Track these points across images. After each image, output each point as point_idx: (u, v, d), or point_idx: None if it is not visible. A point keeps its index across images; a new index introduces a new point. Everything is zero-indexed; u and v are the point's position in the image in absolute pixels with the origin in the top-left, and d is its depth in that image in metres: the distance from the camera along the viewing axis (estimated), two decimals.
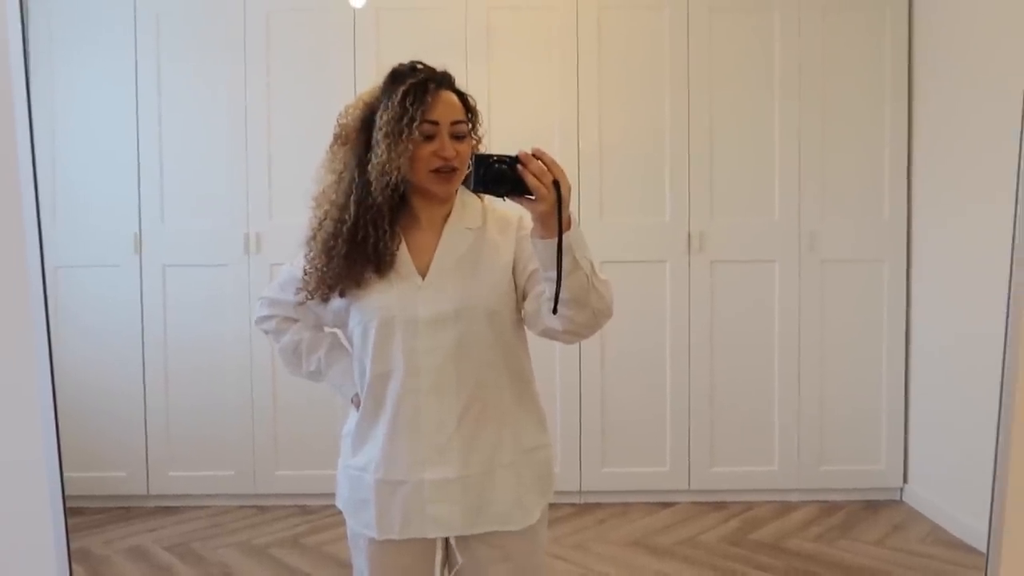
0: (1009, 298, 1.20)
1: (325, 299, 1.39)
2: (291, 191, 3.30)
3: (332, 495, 3.46)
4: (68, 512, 1.15)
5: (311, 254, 1.39)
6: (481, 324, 1.37)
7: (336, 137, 1.40)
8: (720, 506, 3.32)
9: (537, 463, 1.44)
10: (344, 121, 1.40)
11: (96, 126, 3.32)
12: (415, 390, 1.36)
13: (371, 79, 3.43)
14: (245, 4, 3.31)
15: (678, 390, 3.35)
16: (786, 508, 3.29)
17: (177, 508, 3.33)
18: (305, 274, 1.39)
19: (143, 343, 3.32)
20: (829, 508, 3.29)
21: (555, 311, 1.25)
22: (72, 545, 2.84)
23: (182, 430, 3.34)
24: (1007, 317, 1.20)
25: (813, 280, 3.34)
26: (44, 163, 3.28)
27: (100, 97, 3.32)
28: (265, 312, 1.55)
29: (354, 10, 3.20)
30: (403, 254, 1.37)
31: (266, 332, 1.57)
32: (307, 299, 1.41)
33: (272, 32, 3.32)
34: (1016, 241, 1.21)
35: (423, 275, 1.37)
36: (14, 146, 0.78)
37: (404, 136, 1.31)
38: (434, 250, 1.38)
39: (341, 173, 1.37)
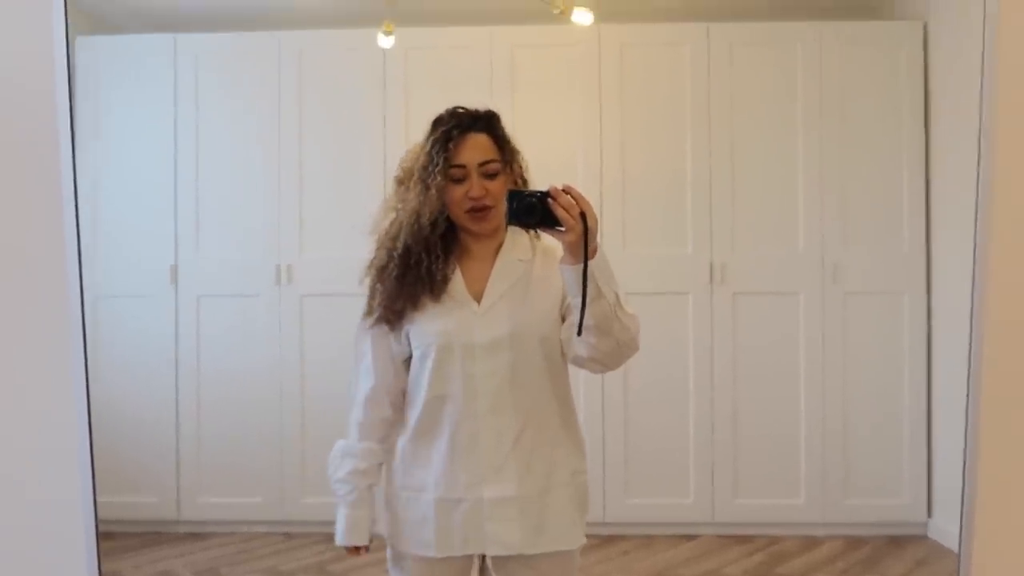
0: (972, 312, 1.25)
1: (393, 325, 1.48)
2: (321, 224, 3.42)
3: None
4: (100, 536, 1.21)
5: (370, 281, 1.51)
6: (534, 349, 1.45)
7: (397, 179, 1.53)
8: (745, 539, 3.29)
9: (581, 487, 1.51)
10: (405, 165, 1.52)
11: (136, 162, 3.46)
12: (473, 412, 1.44)
13: (400, 116, 3.57)
14: (279, 44, 3.44)
15: (701, 422, 3.35)
16: (812, 543, 3.26)
17: (206, 534, 3.39)
18: (369, 299, 1.51)
19: (177, 372, 3.42)
20: (855, 543, 3.25)
21: (579, 332, 1.32)
22: (103, 568, 2.91)
23: (212, 457, 3.41)
24: (971, 329, 1.25)
25: (836, 312, 3.34)
26: (87, 198, 3.40)
27: (141, 134, 3.46)
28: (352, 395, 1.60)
29: (383, 50, 3.31)
30: (458, 282, 1.47)
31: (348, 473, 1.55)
32: (375, 324, 1.49)
33: (304, 71, 3.44)
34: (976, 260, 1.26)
35: (478, 302, 1.45)
36: (59, 183, 0.85)
37: (430, 181, 1.42)
38: (487, 279, 1.46)
39: (399, 211, 1.48)
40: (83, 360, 0.98)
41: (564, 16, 2.75)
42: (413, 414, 1.48)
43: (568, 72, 3.41)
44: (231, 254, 3.42)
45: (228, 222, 3.43)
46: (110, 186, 3.45)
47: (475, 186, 1.44)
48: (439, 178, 1.42)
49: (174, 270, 3.41)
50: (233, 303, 3.42)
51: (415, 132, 3.40)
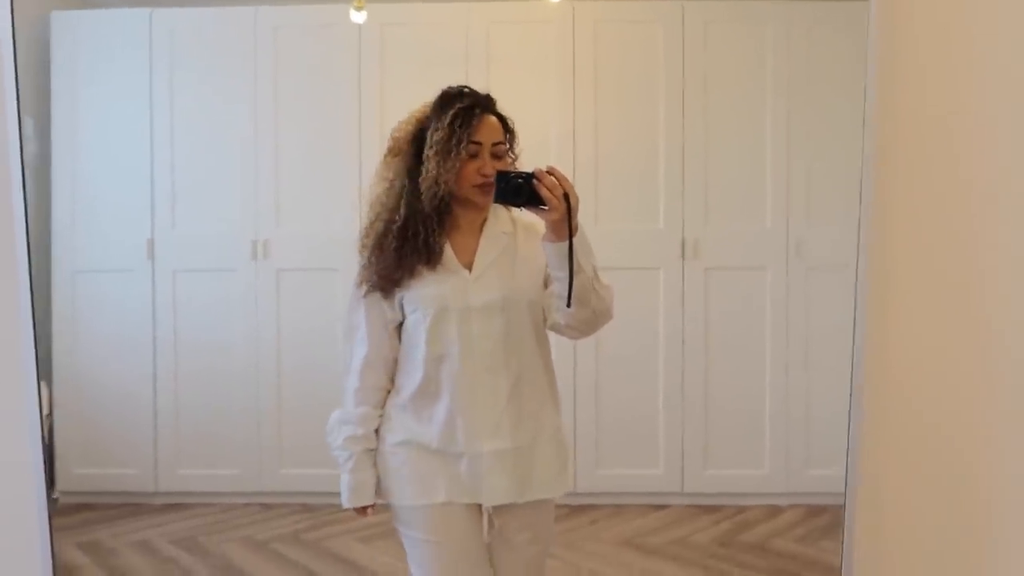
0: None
1: (387, 293, 1.56)
2: (297, 199, 3.44)
3: (333, 493, 3.55)
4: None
5: (366, 252, 1.58)
6: (523, 313, 1.57)
7: (389, 149, 1.61)
8: (712, 509, 3.38)
9: (561, 442, 1.62)
10: (397, 135, 1.61)
11: (113, 138, 3.47)
12: (471, 371, 1.55)
13: (376, 92, 3.58)
14: (255, 19, 3.45)
15: (672, 393, 3.43)
16: (775, 511, 3.36)
17: (184, 504, 3.45)
18: (364, 269, 1.57)
19: (154, 345, 3.45)
20: (815, 510, 3.34)
21: (569, 304, 1.41)
22: (82, 538, 2.97)
23: (190, 430, 3.46)
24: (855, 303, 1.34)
25: (799, 287, 3.41)
26: (65, 172, 3.43)
27: (117, 110, 3.47)
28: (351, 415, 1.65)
29: (359, 26, 3.32)
30: (449, 252, 1.54)
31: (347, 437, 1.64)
32: (369, 291, 1.56)
33: (280, 46, 3.45)
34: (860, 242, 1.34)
35: (469, 270, 1.53)
36: (6, 159, 0.88)
37: (453, 155, 1.52)
38: (475, 249, 1.56)
39: (392, 181, 1.58)
40: (32, 338, 1.01)
41: None
42: (413, 375, 1.57)
43: (543, 49, 3.44)
44: (208, 229, 3.44)
45: (205, 197, 3.45)
46: (87, 162, 3.46)
47: (488, 163, 1.54)
48: (463, 153, 1.51)
49: (151, 244, 3.44)
50: (210, 277, 3.45)
51: (390, 108, 3.45)
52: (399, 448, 1.58)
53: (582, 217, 3.54)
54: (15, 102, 0.93)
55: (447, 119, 1.52)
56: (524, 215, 1.56)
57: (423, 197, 1.52)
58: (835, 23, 3.39)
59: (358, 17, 3.02)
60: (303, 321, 3.37)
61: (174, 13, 3.47)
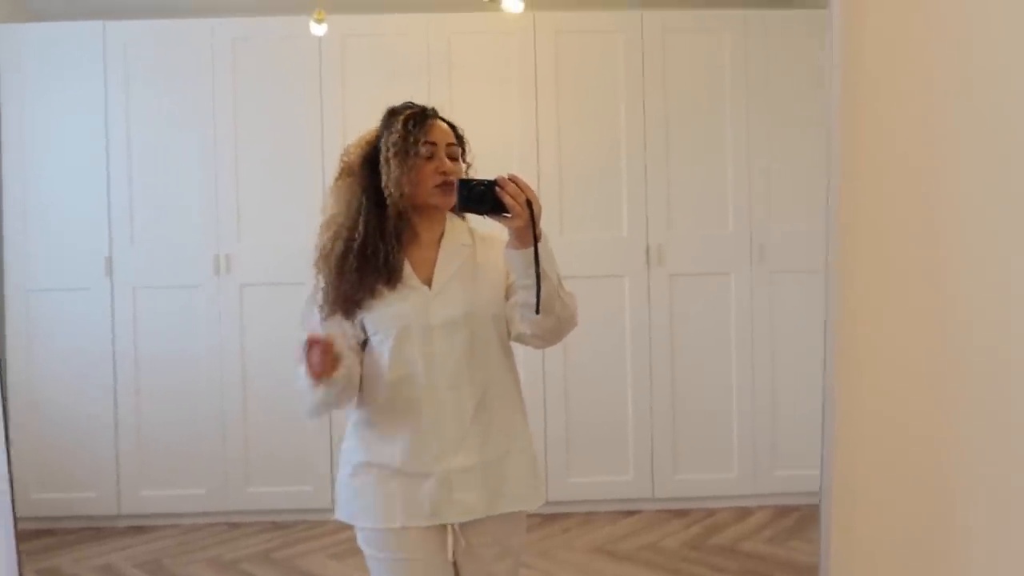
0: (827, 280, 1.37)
1: (348, 314, 1.52)
2: (259, 213, 3.40)
3: (304, 510, 3.52)
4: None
5: (325, 273, 1.54)
6: (487, 327, 1.55)
7: (341, 171, 1.59)
8: (683, 513, 3.41)
9: (532, 453, 1.60)
10: (348, 158, 1.59)
11: (67, 152, 3.38)
12: (434, 389, 1.52)
13: (337, 103, 3.56)
14: (213, 32, 3.40)
15: (640, 400, 3.45)
16: (744, 513, 3.40)
17: (148, 527, 3.37)
18: (323, 292, 1.53)
19: (114, 364, 3.37)
20: (783, 511, 3.39)
21: (538, 311, 1.41)
22: (42, 564, 2.89)
23: (153, 450, 3.38)
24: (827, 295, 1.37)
25: (763, 290, 3.46)
26: (15, 189, 3.34)
27: (70, 124, 3.39)
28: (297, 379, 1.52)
29: (319, 37, 3.30)
30: (408, 269, 1.53)
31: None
32: (330, 314, 1.51)
33: (239, 58, 3.41)
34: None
35: (429, 286, 1.52)
36: None
37: (411, 153, 1.51)
38: (434, 264, 1.53)
39: (349, 201, 1.55)
40: None
41: (494, 4, 2.78)
42: (376, 395, 1.54)
43: (504, 59, 3.45)
44: (168, 244, 3.38)
45: (164, 212, 3.38)
46: (41, 178, 3.37)
47: (445, 161, 1.54)
48: (420, 151, 1.51)
49: (109, 262, 3.36)
50: (171, 294, 3.38)
51: (352, 119, 3.41)
52: (359, 470, 1.55)
53: (547, 226, 3.55)
54: None
55: (399, 124, 1.53)
56: (482, 226, 1.56)
57: (389, 201, 1.51)
58: (790, 31, 3.47)
59: (318, 30, 3.00)
60: (268, 336, 3.32)
61: (128, 25, 3.41)
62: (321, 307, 1.53)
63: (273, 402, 3.35)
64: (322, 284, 1.53)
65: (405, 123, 1.52)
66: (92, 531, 3.34)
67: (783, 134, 3.46)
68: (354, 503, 1.56)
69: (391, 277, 1.51)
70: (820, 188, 3.47)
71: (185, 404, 3.38)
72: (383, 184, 1.52)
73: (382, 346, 1.52)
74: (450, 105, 3.31)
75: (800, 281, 3.46)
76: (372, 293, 1.51)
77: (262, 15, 3.46)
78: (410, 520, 1.51)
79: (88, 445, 3.37)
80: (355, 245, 1.51)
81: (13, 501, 1.01)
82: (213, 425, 3.38)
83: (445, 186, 1.52)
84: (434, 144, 1.53)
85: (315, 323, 1.53)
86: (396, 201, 1.51)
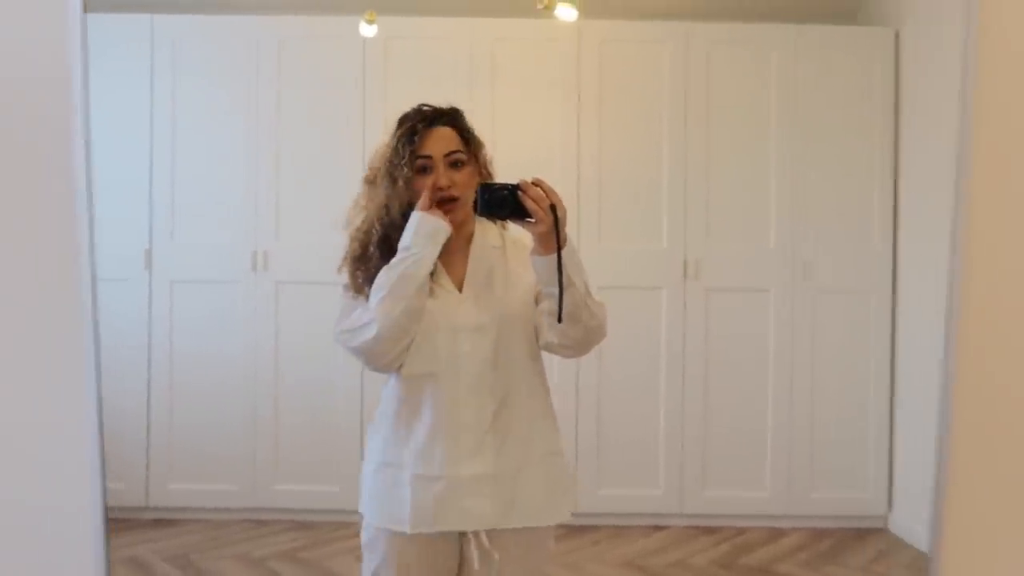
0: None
1: None
2: (298, 211, 3.40)
3: (331, 510, 3.51)
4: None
5: (349, 267, 1.54)
6: (515, 333, 1.51)
7: (365, 179, 1.55)
8: (712, 530, 3.36)
9: (559, 466, 1.55)
10: (372, 165, 1.55)
11: (110, 144, 3.40)
12: (455, 391, 1.49)
13: (379, 104, 3.57)
14: (259, 29, 3.42)
15: (672, 414, 3.41)
16: (776, 534, 3.34)
17: (175, 520, 3.37)
18: (353, 280, 1.56)
19: (149, 357, 3.38)
20: (818, 534, 3.33)
21: (560, 319, 1.38)
22: None
23: (184, 444, 3.39)
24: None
25: (805, 309, 3.41)
26: None
27: (116, 118, 3.40)
28: (348, 328, 1.52)
29: (363, 38, 3.30)
30: (439, 270, 1.49)
31: (362, 346, 1.50)
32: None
33: (283, 56, 3.42)
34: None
35: (459, 288, 1.49)
36: (72, 169, 0.86)
37: (397, 173, 1.48)
38: (464, 266, 1.49)
39: (367, 207, 1.51)
40: (95, 350, 0.99)
41: (548, 11, 2.76)
42: (394, 392, 1.51)
43: (548, 67, 3.43)
44: (206, 239, 3.39)
45: (204, 207, 3.40)
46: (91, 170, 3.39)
47: (441, 176, 1.49)
48: (406, 169, 1.47)
49: (148, 255, 3.38)
50: (208, 289, 3.39)
51: (394, 120, 3.40)
52: (377, 467, 1.53)
53: (585, 235, 3.53)
54: (86, 115, 0.90)
55: (393, 140, 1.52)
56: (512, 228, 1.52)
57: (384, 221, 1.50)
58: (841, 46, 3.43)
59: (368, 30, 3.00)
60: (302, 335, 3.32)
61: (176, 20, 3.43)
62: (353, 293, 1.52)
63: (305, 401, 3.35)
64: (347, 281, 1.55)
65: (397, 141, 1.50)
66: (118, 522, 3.33)
67: (831, 151, 3.41)
68: (366, 497, 1.55)
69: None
70: (868, 207, 3.44)
71: (217, 399, 3.39)
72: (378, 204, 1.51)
73: (409, 345, 1.50)
74: (492, 110, 3.35)
75: (846, 301, 3.41)
76: None
77: (308, 14, 3.48)
78: (415, 526, 1.47)
79: (119, 436, 3.38)
80: (373, 243, 1.51)
81: (104, 493, 1.01)
82: (244, 421, 3.39)
83: (444, 202, 1.48)
84: (428, 157, 1.48)
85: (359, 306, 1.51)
86: (385, 223, 1.50)
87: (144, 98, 3.40)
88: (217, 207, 3.40)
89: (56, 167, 0.95)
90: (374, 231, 1.51)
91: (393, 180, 1.48)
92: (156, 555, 3.03)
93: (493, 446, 1.49)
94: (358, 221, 1.56)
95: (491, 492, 1.48)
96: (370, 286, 1.46)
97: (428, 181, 1.48)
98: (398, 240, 1.48)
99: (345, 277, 1.56)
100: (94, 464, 0.96)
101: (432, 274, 1.49)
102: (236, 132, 3.41)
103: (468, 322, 1.49)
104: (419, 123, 1.51)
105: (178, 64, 3.41)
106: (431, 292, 1.49)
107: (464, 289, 1.51)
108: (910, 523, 3.27)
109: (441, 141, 1.50)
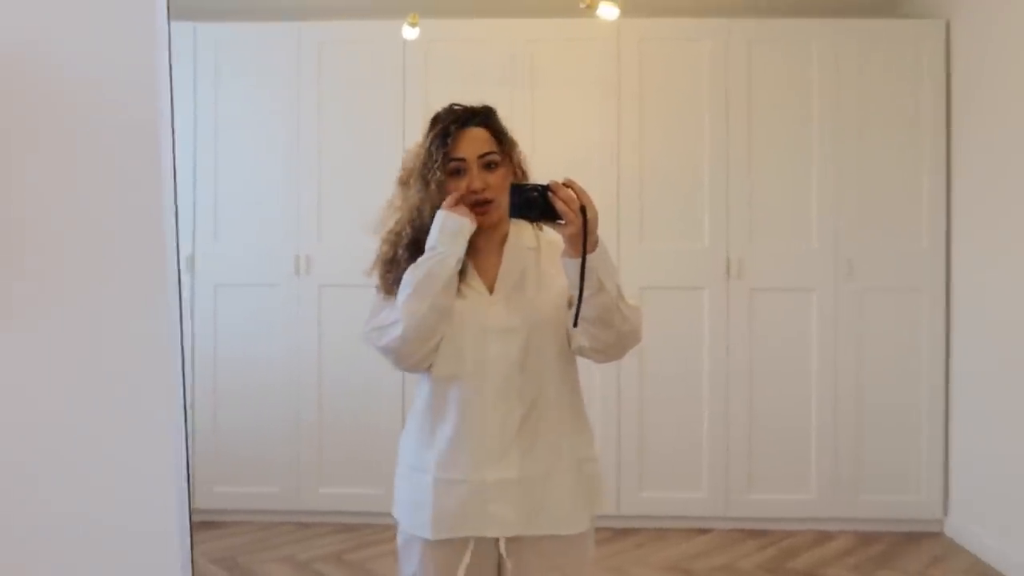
0: None
1: None
2: (340, 214, 3.42)
3: (375, 513, 3.53)
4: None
5: (379, 270, 1.51)
6: (546, 336, 1.46)
7: (399, 180, 1.52)
8: (758, 534, 3.32)
9: (589, 475, 1.51)
10: (406, 165, 1.52)
11: None
12: (481, 394, 1.44)
13: (419, 107, 3.57)
14: (300, 34, 3.44)
15: (716, 416, 3.37)
16: (824, 537, 3.28)
17: (221, 523, 3.40)
18: (382, 280, 1.51)
19: (194, 361, 3.42)
20: (868, 538, 3.27)
21: (575, 324, 1.34)
22: None
23: (229, 447, 3.42)
24: None
25: (851, 308, 3.35)
26: None
27: None
28: (376, 327, 1.50)
29: (404, 41, 3.31)
30: (470, 273, 1.47)
31: (389, 345, 1.46)
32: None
33: (324, 61, 3.45)
34: None
35: (490, 290, 1.46)
36: (159, 175, 0.86)
37: (430, 177, 1.44)
38: (497, 268, 1.47)
39: (400, 208, 1.48)
40: (180, 354, 0.99)
41: (590, 11, 2.74)
42: (423, 394, 1.49)
43: (587, 66, 3.42)
44: (249, 243, 3.42)
45: (247, 212, 3.43)
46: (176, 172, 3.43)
47: (475, 179, 1.45)
48: (439, 173, 1.43)
49: (191, 259, 3.42)
50: (251, 292, 3.42)
51: (427, 122, 3.40)
52: (405, 474, 1.51)
53: (626, 235, 3.50)
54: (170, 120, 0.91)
55: (426, 142, 1.47)
56: (548, 229, 1.49)
57: (416, 224, 1.46)
58: (885, 39, 3.37)
59: (410, 34, 3.00)
60: (344, 337, 3.33)
61: (218, 28, 3.48)
62: (382, 294, 1.49)
63: (348, 404, 3.36)
64: (377, 281, 1.50)
65: (429, 143, 1.45)
66: None
67: (876, 145, 3.35)
68: (398, 502, 1.52)
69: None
70: (917, 203, 3.36)
71: (260, 402, 3.41)
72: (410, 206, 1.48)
73: (437, 346, 1.45)
74: (532, 110, 3.34)
75: (894, 299, 3.34)
76: None
77: (348, 19, 3.50)
78: (436, 532, 1.43)
79: None
80: (402, 246, 1.47)
81: (190, 495, 1.01)
82: (288, 425, 3.41)
83: (477, 205, 1.44)
84: (462, 159, 1.44)
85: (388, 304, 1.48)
86: (416, 227, 1.46)
87: (188, 105, 3.43)
88: (259, 211, 3.43)
89: (143, 175, 0.95)
90: (404, 233, 1.46)
91: (426, 183, 1.43)
92: (203, 557, 3.06)
93: (520, 451, 1.43)
94: (391, 223, 1.53)
95: (516, 498, 1.42)
96: (399, 287, 1.45)
97: (462, 184, 1.43)
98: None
99: (376, 279, 1.53)
100: (179, 469, 0.97)
101: (463, 274, 1.45)
102: (278, 137, 3.44)
103: (497, 324, 1.44)
104: (451, 124, 1.45)
105: (220, 70, 3.45)
106: (461, 293, 1.46)
107: (495, 291, 1.46)
108: (968, 526, 3.20)
109: (474, 143, 1.45)
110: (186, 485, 0.98)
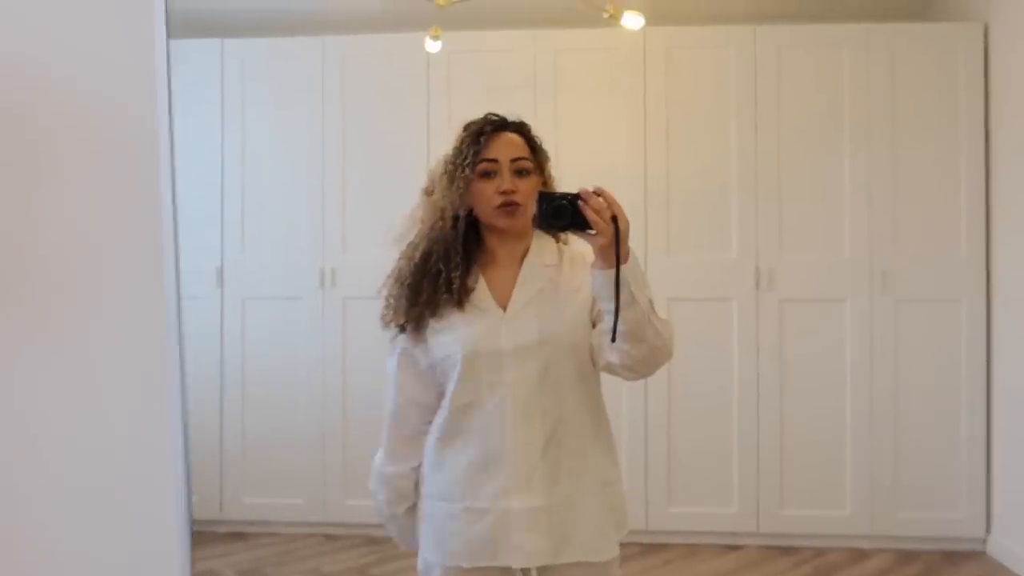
0: None
1: (413, 336, 1.43)
2: (364, 227, 3.42)
3: None
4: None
5: (386, 291, 1.46)
6: (564, 356, 1.40)
7: (424, 190, 1.49)
8: (791, 551, 3.23)
9: (614, 496, 1.46)
10: (432, 175, 1.48)
11: (183, 165, 3.47)
12: (502, 421, 1.39)
13: (444, 120, 3.56)
14: (323, 49, 3.47)
15: (746, 429, 3.30)
16: (860, 555, 3.19)
17: (247, 534, 3.41)
18: (385, 310, 1.45)
19: (222, 373, 3.45)
20: (906, 557, 3.17)
21: (613, 339, 1.29)
22: None
23: (256, 458, 3.44)
24: None
25: (886, 320, 3.26)
26: None
27: (187, 138, 3.49)
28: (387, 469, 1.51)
29: (427, 54, 3.31)
30: (482, 289, 1.43)
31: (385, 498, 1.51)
32: (396, 333, 1.44)
33: (348, 75, 3.46)
34: None
35: (504, 308, 1.42)
36: (157, 187, 0.86)
37: (459, 174, 1.39)
38: (513, 285, 1.43)
39: (423, 219, 1.45)
40: (179, 365, 0.99)
41: (614, 20, 2.71)
42: (439, 419, 1.45)
43: (612, 75, 3.39)
44: (276, 256, 3.44)
45: (273, 225, 3.45)
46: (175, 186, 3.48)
47: (506, 180, 1.41)
48: (467, 171, 1.39)
49: (220, 272, 3.45)
50: (277, 305, 3.44)
51: (459, 129, 3.41)
52: (426, 499, 1.47)
53: (654, 246, 3.44)
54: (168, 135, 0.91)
55: (458, 141, 1.43)
56: (574, 244, 1.43)
57: (440, 226, 1.41)
58: (919, 43, 3.28)
59: (433, 47, 3.00)
60: (370, 350, 3.31)
61: (244, 43, 3.52)
62: (386, 327, 1.44)
63: (373, 416, 3.33)
64: (384, 304, 1.44)
65: (461, 141, 1.41)
66: (194, 535, 3.40)
67: (910, 154, 3.26)
68: (420, 528, 1.47)
69: (455, 296, 1.40)
70: (954, 212, 3.26)
71: (287, 414, 3.43)
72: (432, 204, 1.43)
73: (450, 371, 1.40)
74: (556, 121, 3.31)
75: (931, 310, 3.24)
76: (435, 313, 1.40)
77: (371, 32, 3.51)
78: (470, 560, 1.39)
79: (194, 450, 3.45)
80: (414, 263, 1.41)
81: (190, 506, 1.00)
82: (313, 437, 3.42)
83: (507, 207, 1.39)
84: (494, 161, 1.40)
85: (393, 361, 1.46)
86: (449, 221, 1.41)
87: (215, 119, 3.48)
88: (285, 225, 3.45)
89: (142, 188, 0.95)
90: (419, 249, 1.42)
91: (451, 180, 1.39)
92: (230, 568, 3.07)
93: (544, 477, 1.38)
94: (411, 235, 1.51)
95: (544, 526, 1.38)
96: (405, 319, 1.41)
97: (489, 187, 1.39)
98: (439, 265, 1.42)
99: (382, 297, 1.48)
100: (179, 477, 0.96)
101: (472, 292, 1.41)
102: (303, 151, 3.46)
103: (511, 344, 1.39)
104: (487, 126, 1.42)
105: (247, 85, 3.49)
106: (467, 312, 1.40)
107: (509, 308, 1.41)
108: (1012, 546, 3.07)
109: (509, 146, 1.42)
110: (187, 493, 0.97)
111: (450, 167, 1.41)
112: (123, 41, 0.90)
